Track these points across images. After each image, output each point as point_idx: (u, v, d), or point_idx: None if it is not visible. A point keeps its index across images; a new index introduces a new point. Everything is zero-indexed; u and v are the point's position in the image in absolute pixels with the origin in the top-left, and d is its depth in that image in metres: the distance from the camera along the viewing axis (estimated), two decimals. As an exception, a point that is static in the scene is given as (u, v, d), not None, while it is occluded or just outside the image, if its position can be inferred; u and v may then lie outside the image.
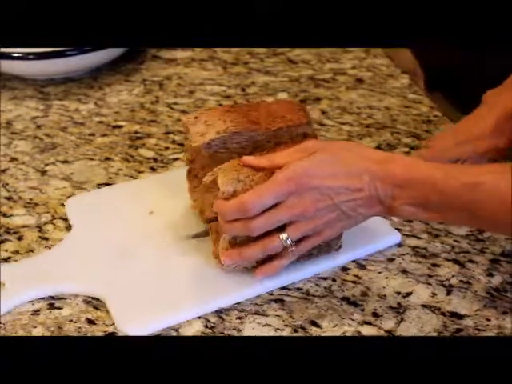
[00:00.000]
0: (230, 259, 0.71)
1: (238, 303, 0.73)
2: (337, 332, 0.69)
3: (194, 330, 0.70)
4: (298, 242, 0.70)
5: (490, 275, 0.76)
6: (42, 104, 1.13)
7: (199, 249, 0.78)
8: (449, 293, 0.74)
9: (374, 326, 0.70)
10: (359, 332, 0.69)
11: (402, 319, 0.71)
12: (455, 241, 0.81)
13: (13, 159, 0.99)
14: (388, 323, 0.70)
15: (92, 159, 0.99)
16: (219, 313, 0.72)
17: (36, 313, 0.72)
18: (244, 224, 0.68)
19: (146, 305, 0.71)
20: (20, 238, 0.83)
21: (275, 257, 0.72)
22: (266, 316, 0.71)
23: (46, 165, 0.98)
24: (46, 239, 0.83)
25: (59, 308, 0.73)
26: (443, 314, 0.71)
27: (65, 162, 0.98)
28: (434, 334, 0.69)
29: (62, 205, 0.88)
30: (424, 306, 0.72)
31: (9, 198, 0.90)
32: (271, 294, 0.74)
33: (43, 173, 0.96)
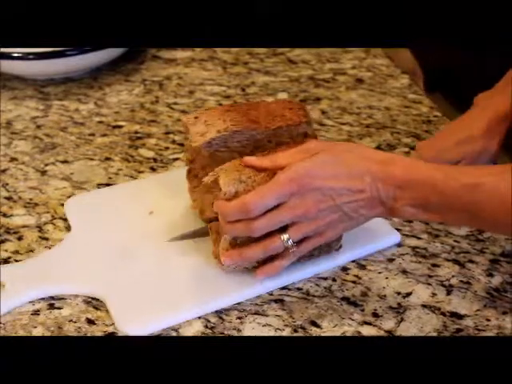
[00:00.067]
0: (231, 260, 0.71)
1: (238, 303, 0.73)
2: (337, 332, 0.69)
3: (194, 330, 0.70)
4: (299, 242, 0.70)
5: (490, 275, 0.76)
6: (42, 104, 1.13)
7: (199, 249, 0.78)
8: (449, 293, 0.74)
9: (374, 326, 0.70)
10: (359, 332, 0.69)
11: (402, 319, 0.71)
12: (455, 241, 0.81)
13: (13, 159, 0.99)
14: (388, 323, 0.70)
15: (92, 159, 0.99)
16: (219, 313, 0.72)
17: (36, 313, 0.72)
18: (246, 225, 0.68)
19: (145, 305, 0.71)
20: (20, 238, 0.83)
21: (276, 257, 0.72)
22: (266, 316, 0.71)
23: (46, 165, 0.98)
24: (46, 239, 0.83)
25: (59, 308, 0.73)
26: (443, 314, 0.71)
27: (65, 162, 0.98)
28: (434, 334, 0.69)
29: (62, 205, 0.88)
30: (424, 306, 0.72)
31: (9, 198, 0.90)
32: (271, 294, 0.74)
33: (43, 173, 0.96)
